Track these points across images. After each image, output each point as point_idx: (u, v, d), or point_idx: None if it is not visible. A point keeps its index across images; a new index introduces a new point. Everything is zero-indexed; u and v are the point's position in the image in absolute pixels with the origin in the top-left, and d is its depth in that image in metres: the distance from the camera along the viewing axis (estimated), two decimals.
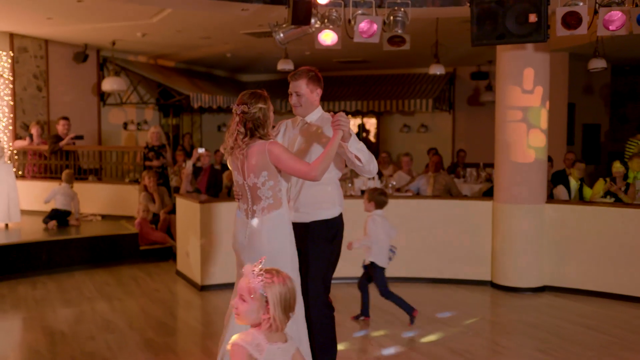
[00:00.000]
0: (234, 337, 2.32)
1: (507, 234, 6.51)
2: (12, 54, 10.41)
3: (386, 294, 5.14)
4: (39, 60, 10.93)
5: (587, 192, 7.95)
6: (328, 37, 5.67)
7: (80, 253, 7.60)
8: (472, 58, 12.91)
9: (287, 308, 2.29)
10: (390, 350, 4.70)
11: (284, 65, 8.53)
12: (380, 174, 8.64)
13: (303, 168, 3.29)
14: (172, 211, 8.58)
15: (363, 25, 5.56)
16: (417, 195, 8.15)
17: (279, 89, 14.81)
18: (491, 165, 11.45)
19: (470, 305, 6.14)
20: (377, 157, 11.35)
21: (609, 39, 8.05)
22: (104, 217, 9.40)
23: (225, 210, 6.46)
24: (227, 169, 8.92)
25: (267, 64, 13.76)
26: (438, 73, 8.46)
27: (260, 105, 3.33)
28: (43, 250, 7.35)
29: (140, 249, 8.03)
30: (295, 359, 2.37)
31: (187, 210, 7.03)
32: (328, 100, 14.11)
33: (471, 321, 5.54)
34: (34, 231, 8.23)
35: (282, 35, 5.63)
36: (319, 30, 5.63)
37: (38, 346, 4.81)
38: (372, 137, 16.02)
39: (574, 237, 6.40)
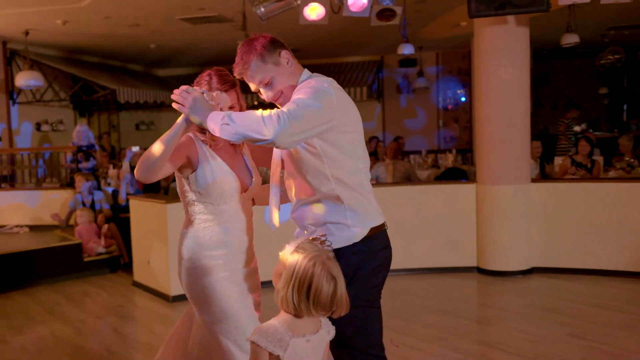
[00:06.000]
0: (256, 328, 1.87)
1: (492, 216, 6.29)
2: None
3: None
4: None
5: (550, 169, 7.98)
6: (314, 12, 5.14)
7: (14, 270, 6.60)
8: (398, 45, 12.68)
9: (302, 290, 1.78)
10: (417, 350, 4.29)
11: None
12: None
13: None
14: (111, 218, 7.71)
15: None
16: (383, 183, 7.79)
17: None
18: (434, 152, 11.43)
19: (465, 293, 5.86)
20: None
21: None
22: (31, 228, 8.32)
23: None
24: None
25: (191, 56, 12.91)
26: (406, 53, 8.15)
27: None
28: None
29: (84, 260, 7.11)
30: (326, 351, 1.95)
31: (146, 213, 6.25)
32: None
33: (478, 310, 5.25)
34: None
35: (262, 9, 5.04)
36: (305, 3, 5.09)
37: None
38: None
39: (558, 215, 6.29)
